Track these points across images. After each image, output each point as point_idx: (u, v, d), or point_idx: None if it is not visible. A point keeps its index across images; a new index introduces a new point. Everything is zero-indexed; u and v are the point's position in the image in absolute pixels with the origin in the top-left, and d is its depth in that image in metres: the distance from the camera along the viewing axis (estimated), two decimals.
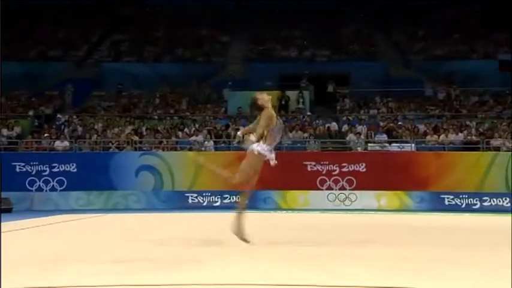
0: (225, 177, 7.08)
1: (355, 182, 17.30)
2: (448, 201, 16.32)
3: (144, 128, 19.08)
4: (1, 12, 27.34)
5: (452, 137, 18.25)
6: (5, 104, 21.58)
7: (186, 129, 19.43)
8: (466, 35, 27.29)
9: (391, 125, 19.16)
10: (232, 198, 16.78)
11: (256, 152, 6.60)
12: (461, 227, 10.72)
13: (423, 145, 18.20)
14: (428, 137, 18.39)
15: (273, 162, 6.78)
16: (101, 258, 5.58)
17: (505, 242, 7.04)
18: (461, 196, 16.33)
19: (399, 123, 19.68)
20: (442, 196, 16.39)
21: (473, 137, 18.03)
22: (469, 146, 17.70)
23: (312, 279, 4.41)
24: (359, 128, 19.22)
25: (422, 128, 19.12)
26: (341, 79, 23.98)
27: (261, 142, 6.65)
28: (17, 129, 19.21)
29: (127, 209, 16.13)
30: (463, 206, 16.24)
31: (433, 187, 16.86)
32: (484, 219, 13.01)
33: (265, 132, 6.64)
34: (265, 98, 6.71)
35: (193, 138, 18.73)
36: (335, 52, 26.93)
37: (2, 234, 6.74)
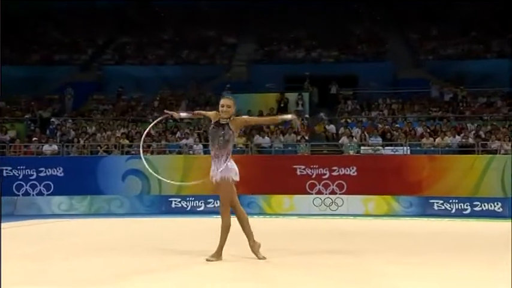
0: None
1: (345, 186, 16.75)
2: (438, 206, 15.59)
3: (134, 132, 18.91)
4: (10, 17, 27.93)
5: (449, 139, 17.42)
6: (4, 107, 21.85)
7: (178, 133, 19.21)
8: (482, 34, 26.27)
9: (387, 127, 18.46)
10: (216, 203, 16.43)
11: (229, 180, 6.10)
12: (438, 233, 10.32)
13: (418, 148, 17.45)
14: (423, 140, 17.60)
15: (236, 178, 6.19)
16: None
17: (481, 247, 7.18)
18: (451, 201, 15.58)
19: (397, 125, 18.96)
20: (431, 201, 15.67)
21: (470, 140, 17.17)
22: (464, 149, 16.87)
23: None
24: (354, 130, 18.60)
25: (420, 130, 18.35)
26: (348, 80, 23.46)
27: (222, 162, 6.10)
28: (12, 133, 19.33)
29: (109, 214, 15.96)
30: (453, 211, 15.48)
31: (426, 192, 16.15)
32: (472, 225, 12.40)
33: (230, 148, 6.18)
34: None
35: (183, 141, 18.48)
36: (343, 53, 26.33)
37: None
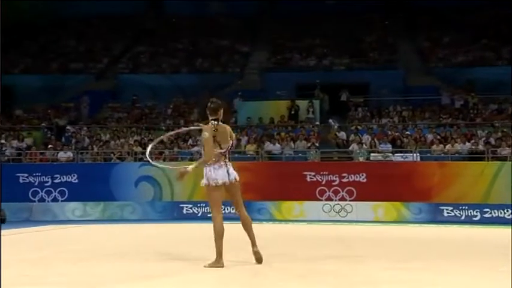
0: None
1: (355, 193, 16.88)
2: (447, 212, 15.65)
3: (146, 139, 19.25)
4: (28, 26, 28.61)
5: (459, 146, 17.47)
6: (22, 116, 22.38)
7: (190, 140, 19.51)
8: (493, 41, 26.26)
9: (397, 134, 18.57)
10: (227, 209, 16.63)
11: (207, 185, 6.03)
12: (445, 239, 10.39)
13: (428, 155, 17.53)
14: (433, 147, 17.68)
15: (231, 179, 6.09)
16: None
17: (488, 254, 7.17)
18: (461, 207, 15.63)
19: (407, 132, 19.05)
20: (441, 207, 15.72)
21: (480, 147, 17.20)
22: (474, 156, 16.90)
23: None
24: (364, 137, 18.74)
25: (430, 137, 18.43)
26: (359, 88, 23.63)
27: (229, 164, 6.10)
28: (28, 141, 19.80)
29: (122, 220, 16.29)
30: (463, 218, 15.52)
31: (436, 198, 16.22)
32: (481, 232, 12.44)
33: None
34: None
35: (195, 148, 18.77)
36: (355, 60, 26.49)
37: None
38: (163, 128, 21.13)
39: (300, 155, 18.49)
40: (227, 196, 6.24)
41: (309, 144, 18.64)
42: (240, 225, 6.24)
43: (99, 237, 10.72)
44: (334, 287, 4.99)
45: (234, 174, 6.16)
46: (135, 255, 7.31)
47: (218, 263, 5.94)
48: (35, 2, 29.55)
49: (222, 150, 6.10)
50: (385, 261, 6.68)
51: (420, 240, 10.07)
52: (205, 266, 5.94)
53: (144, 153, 18.59)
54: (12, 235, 10.71)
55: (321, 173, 17.18)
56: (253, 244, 6.20)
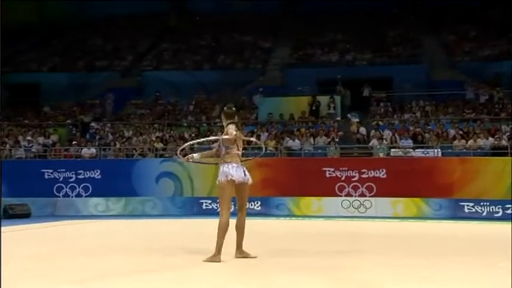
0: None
1: (375, 189, 16.80)
2: (468, 208, 15.42)
3: (168, 135, 19.50)
4: (55, 26, 29.21)
5: (482, 142, 17.21)
6: (49, 113, 22.90)
7: (211, 137, 19.65)
8: None
9: (418, 129, 18.38)
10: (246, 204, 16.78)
11: (223, 181, 6.19)
12: (461, 235, 10.25)
13: (450, 150, 17.31)
14: (455, 142, 17.45)
15: (246, 179, 6.28)
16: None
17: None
18: (482, 203, 15.39)
19: (429, 127, 18.84)
20: (462, 203, 15.52)
21: (503, 142, 16.91)
22: (497, 152, 16.63)
23: None
24: (385, 133, 18.62)
25: (452, 132, 18.19)
26: (382, 83, 23.46)
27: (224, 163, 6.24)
28: (54, 138, 20.25)
29: (143, 215, 16.55)
30: (484, 214, 15.29)
31: (457, 194, 16.03)
32: (502, 228, 12.23)
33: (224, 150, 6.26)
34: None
35: (215, 145, 18.89)
36: (378, 55, 26.28)
37: None
38: (185, 124, 21.39)
39: (320, 151, 18.47)
40: (234, 194, 6.43)
41: (328, 140, 18.61)
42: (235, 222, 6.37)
43: (113, 232, 10.94)
44: (322, 280, 5.04)
45: (248, 175, 6.39)
46: (141, 249, 7.43)
47: (215, 257, 6.08)
48: (62, 2, 30.21)
49: (240, 152, 6.38)
50: (387, 256, 6.68)
51: (434, 237, 9.99)
52: (204, 260, 6.10)
53: (165, 150, 18.90)
54: (29, 230, 11.04)
55: (341, 168, 17.14)
56: (239, 247, 6.41)
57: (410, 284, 4.93)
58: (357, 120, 20.07)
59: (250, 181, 6.37)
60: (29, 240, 9.14)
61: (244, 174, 6.28)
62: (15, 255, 6.58)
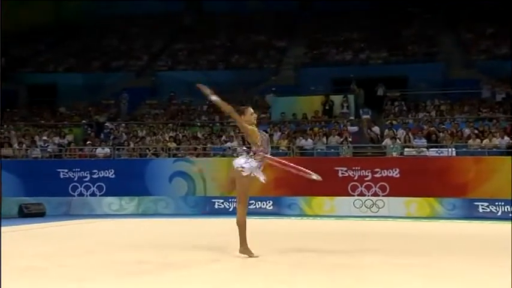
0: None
1: (388, 188, 16.70)
2: (483, 208, 15.25)
3: (181, 135, 19.59)
4: (72, 26, 29.53)
5: (497, 141, 16.99)
6: (65, 113, 23.15)
7: (224, 136, 19.73)
8: None
9: (432, 129, 18.22)
10: (257, 204, 16.84)
11: (249, 174, 6.35)
12: (469, 235, 10.15)
13: (464, 150, 17.13)
14: (470, 141, 17.26)
15: (262, 179, 6.45)
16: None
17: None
18: (497, 203, 15.20)
19: (443, 126, 18.66)
20: (476, 203, 15.35)
21: None
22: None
23: None
24: (398, 132, 18.49)
25: (467, 131, 18.00)
26: (397, 82, 23.29)
27: (249, 158, 6.40)
28: (69, 137, 20.47)
29: (156, 214, 16.66)
30: (499, 213, 15.10)
31: (471, 194, 15.86)
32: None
33: (255, 148, 6.42)
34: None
35: (228, 144, 18.98)
36: (393, 54, 26.10)
37: None
38: (198, 124, 21.46)
39: (332, 150, 18.40)
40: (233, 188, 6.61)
41: (341, 140, 18.53)
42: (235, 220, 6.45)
43: (122, 230, 11.01)
44: (323, 277, 5.04)
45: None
46: (144, 248, 7.43)
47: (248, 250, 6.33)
48: (78, 3, 30.52)
49: (268, 155, 6.60)
50: (386, 256, 6.60)
51: (443, 236, 9.88)
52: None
53: (178, 149, 18.97)
54: (39, 229, 11.17)
55: (353, 168, 17.07)
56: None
57: (418, 282, 4.89)
58: (368, 116, 19.96)
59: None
60: (38, 238, 9.25)
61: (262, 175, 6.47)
62: (20, 253, 6.66)
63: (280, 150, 18.44)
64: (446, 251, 7.48)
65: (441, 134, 17.96)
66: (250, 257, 6.25)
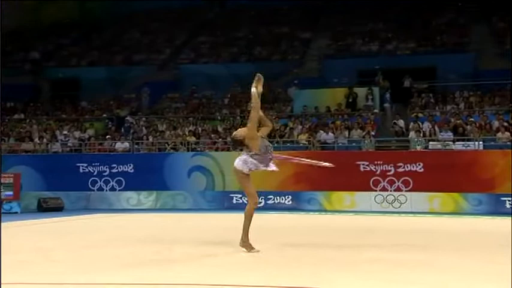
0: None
1: (411, 183, 16.14)
2: (510, 204, 14.55)
3: (200, 129, 19.35)
4: (94, 21, 29.60)
5: None
6: (86, 107, 23.19)
7: None
8: None
9: (459, 121, 17.52)
10: (276, 199, 16.50)
11: (244, 170, 6.37)
12: (488, 231, 9.66)
13: (492, 143, 16.41)
14: (498, 134, 16.53)
15: (272, 169, 6.51)
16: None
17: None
18: None
19: (471, 119, 17.93)
20: (503, 198, 14.67)
21: None
22: None
23: None
24: (424, 125, 17.85)
25: (496, 124, 17.25)
26: (425, 73, 22.57)
27: (249, 157, 6.36)
28: (90, 132, 20.46)
29: (173, 209, 16.48)
30: None
31: (498, 189, 15.18)
32: None
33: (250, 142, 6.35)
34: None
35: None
36: (421, 44, 25.32)
37: None
38: (219, 118, 21.18)
39: (354, 144, 17.89)
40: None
41: (364, 133, 18.00)
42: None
43: (132, 225, 10.84)
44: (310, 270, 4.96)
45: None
46: (148, 242, 7.30)
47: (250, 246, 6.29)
48: (102, 3, 30.50)
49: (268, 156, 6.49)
50: (386, 251, 6.38)
51: (472, 233, 9.33)
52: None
53: (197, 143, 18.73)
54: (52, 223, 11.08)
55: (375, 162, 16.55)
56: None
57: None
58: (388, 105, 19.39)
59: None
60: (44, 233, 9.15)
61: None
62: (19, 248, 6.58)
63: (301, 144, 18.04)
64: (457, 247, 7.15)
65: (468, 127, 17.26)
66: (249, 251, 6.16)
